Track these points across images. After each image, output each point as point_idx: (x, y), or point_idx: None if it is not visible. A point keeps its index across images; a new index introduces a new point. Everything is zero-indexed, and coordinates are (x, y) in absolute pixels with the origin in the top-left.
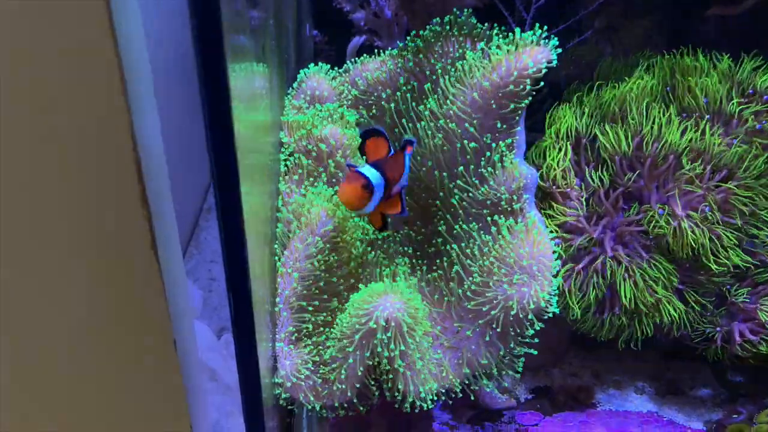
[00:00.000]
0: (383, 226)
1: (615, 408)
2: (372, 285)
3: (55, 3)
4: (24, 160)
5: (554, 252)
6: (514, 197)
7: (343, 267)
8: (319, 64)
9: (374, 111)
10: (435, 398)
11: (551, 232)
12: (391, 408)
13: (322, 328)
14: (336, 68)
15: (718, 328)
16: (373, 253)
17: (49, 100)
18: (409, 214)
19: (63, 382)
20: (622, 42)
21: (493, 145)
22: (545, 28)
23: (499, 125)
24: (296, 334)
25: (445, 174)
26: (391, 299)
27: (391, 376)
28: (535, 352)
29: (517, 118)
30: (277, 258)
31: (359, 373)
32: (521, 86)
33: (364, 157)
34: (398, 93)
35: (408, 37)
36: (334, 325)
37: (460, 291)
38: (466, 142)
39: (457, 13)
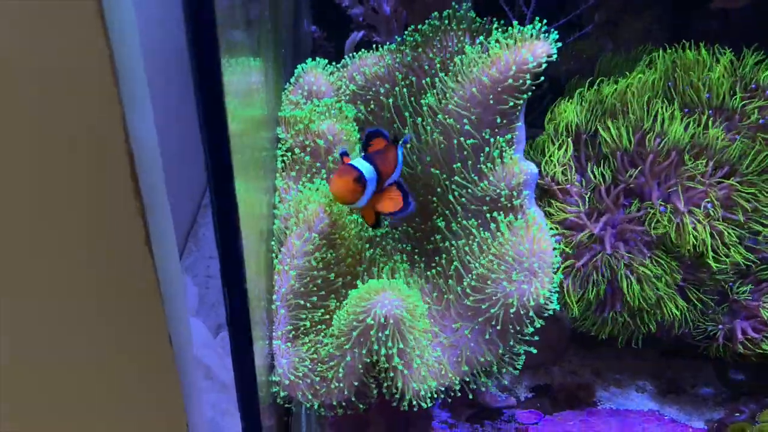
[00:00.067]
0: (377, 223)
1: (616, 407)
2: (370, 282)
3: None
4: (14, 154)
5: (554, 249)
6: (514, 193)
7: (340, 264)
8: (317, 59)
9: (372, 106)
10: (434, 396)
11: (551, 228)
12: (390, 406)
13: (319, 326)
14: (334, 63)
15: (720, 326)
16: (371, 250)
17: (39, 93)
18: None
19: (55, 380)
20: (623, 36)
21: (493, 140)
22: (545, 22)
23: (498, 120)
24: (293, 332)
25: (444, 170)
26: (389, 296)
27: (390, 374)
28: (535, 350)
29: (517, 113)
30: (274, 255)
31: (357, 371)
32: (521, 81)
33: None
34: (396, 88)
35: (406, 32)
36: (332, 323)
37: (459, 288)
38: (464, 137)
39: (456, 7)
